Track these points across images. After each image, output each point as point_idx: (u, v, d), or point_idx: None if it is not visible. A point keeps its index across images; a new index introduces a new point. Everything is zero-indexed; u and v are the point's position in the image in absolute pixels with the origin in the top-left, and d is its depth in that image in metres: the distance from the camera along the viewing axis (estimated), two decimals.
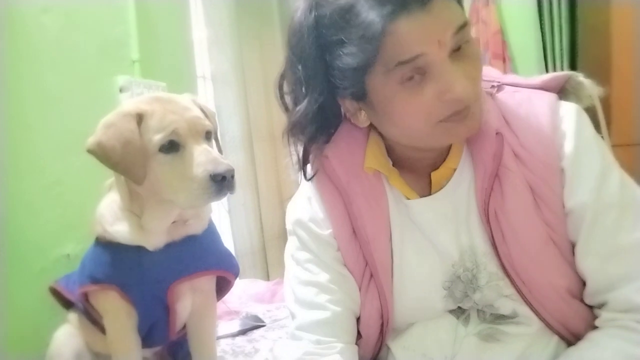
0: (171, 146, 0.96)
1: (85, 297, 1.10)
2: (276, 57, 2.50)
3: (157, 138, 0.95)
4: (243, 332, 1.62)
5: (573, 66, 2.42)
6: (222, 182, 0.94)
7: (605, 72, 2.25)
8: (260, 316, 1.73)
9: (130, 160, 0.94)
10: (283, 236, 2.55)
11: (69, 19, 1.46)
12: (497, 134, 0.71)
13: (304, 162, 0.81)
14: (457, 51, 0.65)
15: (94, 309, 1.12)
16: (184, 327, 1.20)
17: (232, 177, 0.95)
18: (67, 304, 1.22)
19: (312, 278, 0.78)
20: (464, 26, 0.64)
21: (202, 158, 0.95)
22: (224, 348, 1.48)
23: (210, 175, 0.93)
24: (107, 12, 1.62)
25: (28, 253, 1.31)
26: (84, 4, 1.51)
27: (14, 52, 1.30)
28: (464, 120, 0.67)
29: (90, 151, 0.96)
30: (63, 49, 1.44)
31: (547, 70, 2.43)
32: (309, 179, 0.82)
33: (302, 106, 0.73)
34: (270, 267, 2.41)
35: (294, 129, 0.76)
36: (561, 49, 2.43)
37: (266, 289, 2.01)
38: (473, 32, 2.54)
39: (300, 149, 0.83)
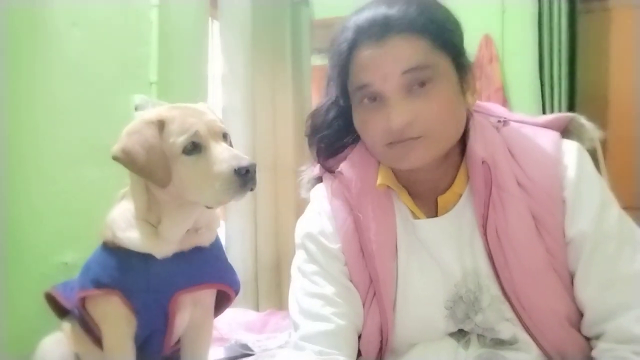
0: (194, 147, 0.99)
1: (83, 303, 1.10)
2: (286, 96, 2.59)
3: (180, 140, 0.98)
4: (232, 359, 1.60)
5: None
6: (245, 176, 0.96)
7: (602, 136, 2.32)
8: (250, 345, 1.70)
9: (154, 165, 0.98)
10: (276, 268, 2.54)
11: (95, 35, 1.52)
12: (483, 162, 0.75)
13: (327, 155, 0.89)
14: (421, 87, 0.72)
15: (90, 316, 1.11)
16: (176, 343, 1.19)
17: (255, 171, 0.98)
18: (62, 313, 1.21)
19: (318, 290, 0.80)
20: (420, 68, 0.71)
21: (225, 155, 0.98)
22: None
23: (235, 170, 0.96)
24: (131, 33, 1.69)
25: (29, 258, 1.32)
26: (110, 22, 1.58)
27: (43, 61, 1.35)
28: (407, 149, 0.74)
29: (116, 158, 0.99)
30: (87, 62, 1.49)
31: None
32: (325, 169, 0.89)
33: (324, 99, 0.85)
34: (260, 298, 2.39)
35: (317, 121, 0.86)
36: (560, 110, 2.53)
37: (257, 319, 1.99)
38: (477, 86, 2.64)
39: (315, 168, 0.91)
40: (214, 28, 2.45)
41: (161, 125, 1.01)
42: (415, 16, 0.71)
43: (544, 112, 2.56)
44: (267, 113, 2.51)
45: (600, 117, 2.31)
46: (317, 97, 2.85)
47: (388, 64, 0.71)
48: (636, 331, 0.68)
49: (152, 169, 0.98)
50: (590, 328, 0.73)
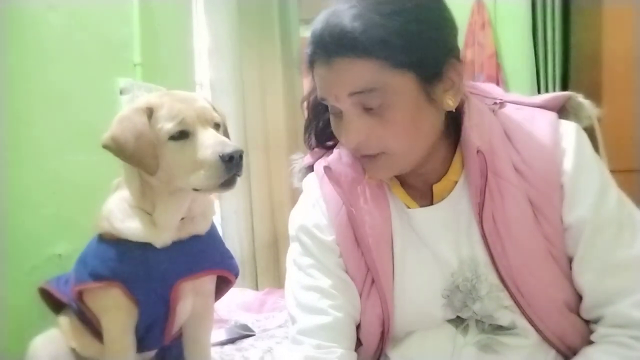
0: (181, 134, 0.99)
1: (80, 296, 1.09)
2: (275, 69, 2.53)
3: (168, 127, 0.98)
4: (232, 340, 1.61)
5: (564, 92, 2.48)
6: (231, 163, 0.96)
7: (596, 98, 2.30)
8: (250, 325, 1.72)
9: (142, 152, 0.98)
10: (273, 246, 2.55)
11: (74, 18, 1.46)
12: (477, 152, 0.73)
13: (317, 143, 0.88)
14: (375, 108, 0.69)
15: (87, 309, 1.10)
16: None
17: (241, 158, 0.98)
18: (57, 308, 1.20)
19: (314, 283, 0.79)
20: (366, 91, 0.67)
21: (211, 141, 0.98)
22: (212, 356, 1.46)
23: (220, 156, 0.96)
24: (112, 15, 1.63)
25: (22, 250, 1.30)
26: (89, 4, 1.52)
27: (18, 47, 1.30)
28: (370, 165, 0.74)
29: (105, 146, 1.00)
30: (67, 47, 1.44)
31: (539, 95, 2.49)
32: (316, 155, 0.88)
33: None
34: (259, 276, 2.40)
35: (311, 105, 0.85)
36: (554, 75, 2.50)
37: (255, 299, 2.00)
38: (468, 54, 2.59)
39: (306, 157, 0.90)
40: (198, 1, 2.37)
41: (150, 112, 1.00)
42: (358, 38, 0.65)
43: (537, 78, 2.53)
44: (256, 88, 2.47)
45: (594, 81, 2.29)
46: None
47: (336, 86, 0.69)
48: (634, 316, 0.68)
49: (140, 156, 0.98)
50: (589, 312, 0.73)
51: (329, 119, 0.82)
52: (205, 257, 1.09)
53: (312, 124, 0.88)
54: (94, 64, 1.55)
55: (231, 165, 0.97)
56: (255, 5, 2.49)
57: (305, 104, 0.87)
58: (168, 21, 1.93)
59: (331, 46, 0.67)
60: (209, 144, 0.98)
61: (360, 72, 0.67)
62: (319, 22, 0.70)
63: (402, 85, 0.67)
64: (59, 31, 1.42)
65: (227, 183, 0.99)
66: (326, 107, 0.79)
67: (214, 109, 1.08)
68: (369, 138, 0.70)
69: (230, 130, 2.41)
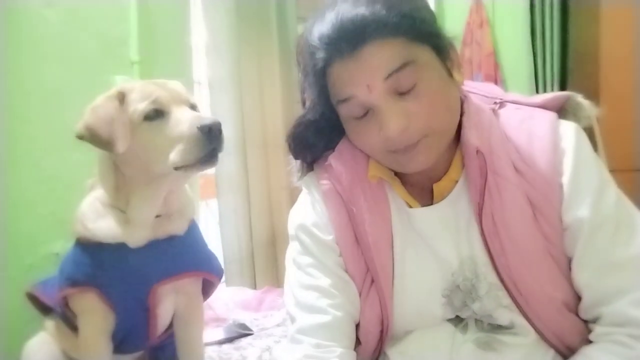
0: (156, 114, 0.98)
1: (65, 301, 1.08)
2: (273, 66, 2.52)
3: (141, 107, 0.97)
4: (230, 339, 1.61)
5: (562, 91, 2.48)
6: (210, 135, 0.94)
7: (594, 97, 2.29)
8: (248, 324, 1.71)
9: (116, 136, 0.96)
10: (272, 244, 2.55)
11: (71, 16, 1.46)
12: (477, 152, 0.73)
13: (310, 162, 0.86)
14: (408, 91, 0.68)
15: (73, 313, 1.09)
16: (166, 330, 1.18)
17: (220, 131, 0.96)
18: (45, 310, 1.19)
19: (313, 282, 0.78)
20: (400, 68, 0.67)
21: (187, 116, 0.97)
22: (210, 355, 1.47)
23: (198, 127, 0.94)
24: (109, 12, 1.63)
25: (19, 248, 1.30)
26: (87, 1, 1.52)
27: (15, 44, 1.30)
28: (410, 155, 0.72)
29: (80, 135, 0.98)
30: (64, 44, 1.44)
31: (537, 94, 2.50)
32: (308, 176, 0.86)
33: (306, 111, 0.81)
34: (257, 275, 2.39)
35: (300, 132, 0.82)
36: (552, 74, 2.51)
37: (253, 297, 2.00)
38: (466, 52, 2.59)
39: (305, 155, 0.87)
40: None
41: (122, 96, 1.00)
42: (386, 17, 0.66)
43: (535, 77, 2.53)
44: (254, 86, 2.46)
45: (592, 80, 2.29)
46: None
47: (368, 75, 0.68)
48: (631, 314, 0.68)
49: (115, 140, 0.97)
50: (587, 311, 0.73)
51: (328, 138, 0.82)
52: (183, 259, 1.07)
53: (309, 150, 0.84)
54: (91, 62, 1.54)
55: (211, 137, 0.94)
56: (253, 3, 2.48)
57: (291, 138, 0.83)
58: (165, 19, 1.93)
59: (356, 36, 0.66)
60: (186, 119, 0.96)
61: (392, 50, 0.67)
62: (327, 24, 0.68)
63: (426, 57, 0.70)
64: (57, 28, 1.41)
65: (208, 158, 0.96)
66: (324, 128, 0.79)
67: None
68: (409, 123, 0.69)
69: (228, 128, 2.40)
